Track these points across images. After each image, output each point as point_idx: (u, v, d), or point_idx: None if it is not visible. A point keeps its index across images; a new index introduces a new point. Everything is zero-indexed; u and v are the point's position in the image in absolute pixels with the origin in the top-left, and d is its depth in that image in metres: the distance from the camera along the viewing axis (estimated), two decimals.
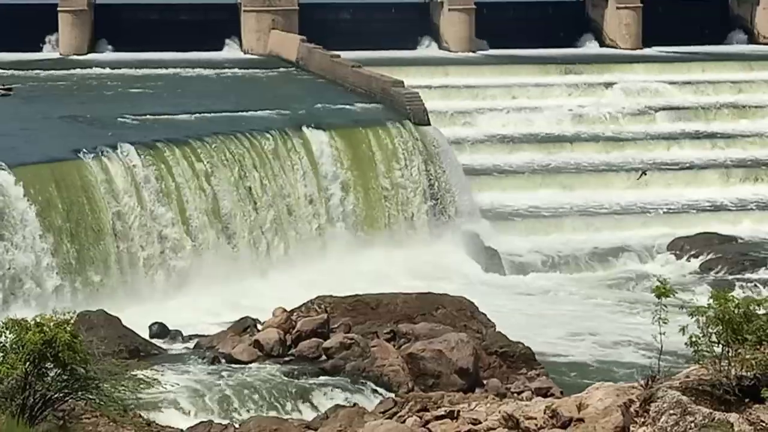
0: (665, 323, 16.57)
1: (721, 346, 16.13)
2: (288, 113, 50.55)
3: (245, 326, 34.20)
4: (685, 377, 16.65)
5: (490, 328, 34.33)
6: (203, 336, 34.61)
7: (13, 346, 17.20)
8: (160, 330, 35.23)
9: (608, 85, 62.58)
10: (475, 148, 55.94)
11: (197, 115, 49.38)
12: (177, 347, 34.07)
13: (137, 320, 34.54)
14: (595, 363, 36.42)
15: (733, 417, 15.60)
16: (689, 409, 15.72)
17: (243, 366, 31.46)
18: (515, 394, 29.51)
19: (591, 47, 76.14)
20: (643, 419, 16.32)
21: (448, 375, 30.82)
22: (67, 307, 21.14)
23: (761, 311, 16.23)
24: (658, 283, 16.84)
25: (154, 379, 19.58)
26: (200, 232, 42.47)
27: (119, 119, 48.11)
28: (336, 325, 33.14)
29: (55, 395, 17.50)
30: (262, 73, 63.85)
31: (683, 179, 55.20)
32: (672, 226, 50.81)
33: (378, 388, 30.44)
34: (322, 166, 47.29)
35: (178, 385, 29.48)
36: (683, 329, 16.16)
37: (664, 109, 60.62)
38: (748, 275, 45.44)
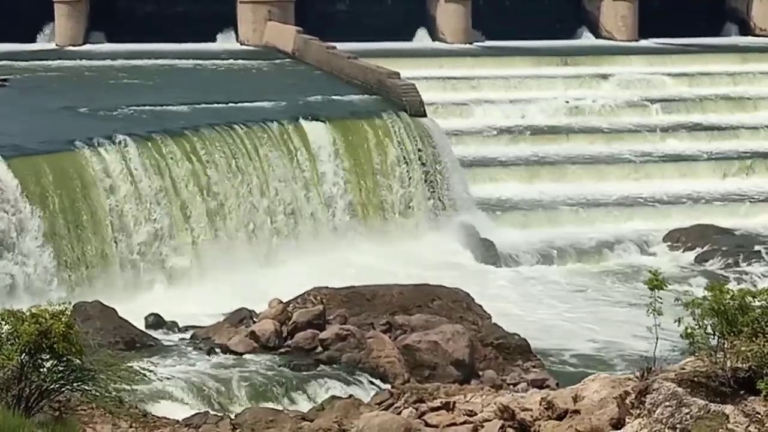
0: (660, 315, 16.60)
1: (716, 337, 16.15)
2: (284, 105, 50.51)
3: (241, 317, 34.21)
4: (681, 369, 16.66)
5: (486, 320, 34.37)
6: (199, 327, 34.61)
7: (9, 337, 17.20)
8: (156, 321, 35.21)
9: (604, 76, 62.52)
10: (471, 139, 55.91)
11: (193, 106, 49.32)
12: (173, 338, 34.06)
13: (133, 311, 34.52)
14: (591, 355, 36.49)
15: (728, 409, 15.61)
16: (684, 401, 15.73)
17: (239, 357, 31.47)
18: (511, 386, 29.57)
19: (587, 39, 76.07)
20: (638, 411, 16.34)
21: (444, 366, 30.86)
22: (62, 298, 21.12)
23: (756, 303, 16.25)
24: (651, 275, 16.89)
25: (150, 371, 19.58)
26: (197, 224, 42.46)
27: (115, 110, 48.04)
28: (332, 317, 33.16)
29: (51, 386, 17.49)
30: (258, 65, 63.74)
31: (679, 171, 55.23)
32: (668, 218, 50.88)
33: (374, 380, 30.48)
34: (318, 158, 47.27)
35: (174, 376, 29.49)
36: (678, 321, 16.19)
37: (660, 100, 60.60)
38: (743, 267, 45.55)
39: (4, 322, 17.30)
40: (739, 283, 40.42)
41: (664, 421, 15.75)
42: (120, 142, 41.74)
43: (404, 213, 48.79)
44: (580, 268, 46.57)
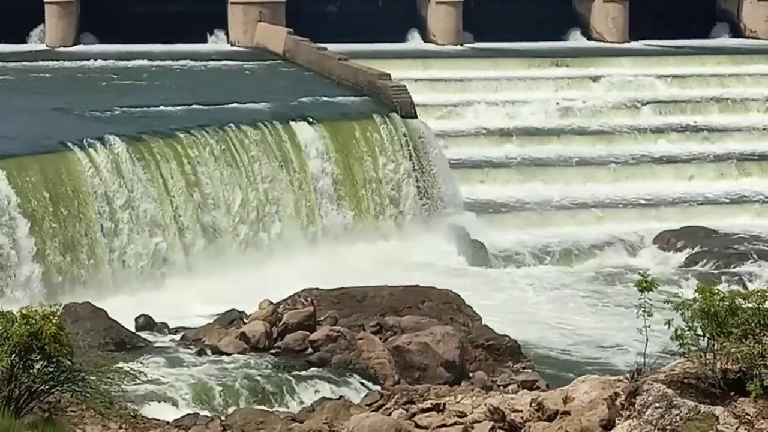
0: (650, 316, 16.63)
1: (706, 339, 16.18)
2: (275, 106, 50.47)
3: (231, 319, 34.17)
4: (671, 370, 16.69)
5: (476, 321, 34.35)
6: (189, 328, 34.55)
7: None
8: (146, 322, 35.15)
9: (595, 78, 62.58)
10: (461, 141, 55.90)
11: (184, 107, 49.28)
12: (163, 339, 34.00)
13: (123, 312, 34.45)
14: (581, 356, 36.50)
15: (718, 410, 15.64)
16: (674, 402, 15.76)
17: (229, 358, 31.43)
18: (501, 387, 29.56)
19: (578, 41, 76.10)
20: (628, 412, 16.36)
21: (434, 368, 30.85)
22: (53, 299, 21.10)
23: (746, 305, 16.27)
24: (640, 277, 16.93)
25: (140, 372, 19.57)
26: (187, 224, 42.45)
27: (106, 111, 47.99)
28: (322, 318, 33.14)
29: (41, 387, 17.47)
30: (248, 66, 63.67)
31: (670, 173, 55.29)
32: (658, 219, 50.93)
33: (364, 381, 30.45)
34: (308, 159, 47.27)
35: (164, 377, 29.45)
36: (668, 322, 16.21)
37: (650, 102, 60.66)
38: (733, 269, 45.59)
39: None
40: (729, 285, 40.47)
41: (654, 422, 15.78)
42: (110, 143, 41.71)
43: (394, 214, 48.80)
44: (570, 270, 46.58)
